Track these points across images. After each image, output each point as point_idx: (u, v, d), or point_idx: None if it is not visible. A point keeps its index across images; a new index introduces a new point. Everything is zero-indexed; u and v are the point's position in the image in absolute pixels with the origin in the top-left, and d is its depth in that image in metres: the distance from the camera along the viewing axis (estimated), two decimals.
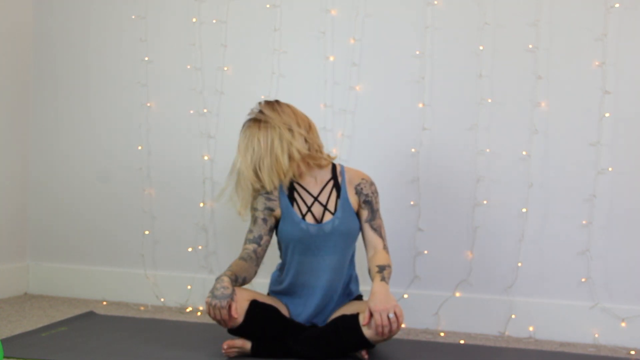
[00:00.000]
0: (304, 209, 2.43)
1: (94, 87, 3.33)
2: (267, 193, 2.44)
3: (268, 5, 3.10)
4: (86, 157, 3.34)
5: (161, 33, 3.24)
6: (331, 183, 2.47)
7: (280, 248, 2.52)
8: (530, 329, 2.81)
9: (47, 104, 3.39)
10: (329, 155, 2.48)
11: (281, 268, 2.52)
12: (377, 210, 2.48)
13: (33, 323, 2.75)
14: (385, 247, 2.45)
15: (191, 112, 3.19)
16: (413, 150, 2.93)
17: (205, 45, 3.18)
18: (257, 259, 2.43)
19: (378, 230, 2.46)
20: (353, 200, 2.46)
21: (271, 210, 2.45)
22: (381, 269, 2.34)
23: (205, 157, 3.17)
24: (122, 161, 3.28)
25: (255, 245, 2.43)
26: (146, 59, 3.25)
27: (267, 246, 2.47)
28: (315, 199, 2.44)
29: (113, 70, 3.30)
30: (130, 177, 3.27)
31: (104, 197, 3.31)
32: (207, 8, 3.17)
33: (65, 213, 3.37)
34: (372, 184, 2.50)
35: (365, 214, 2.46)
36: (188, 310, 3.12)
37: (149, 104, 3.24)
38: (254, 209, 2.46)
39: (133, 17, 3.26)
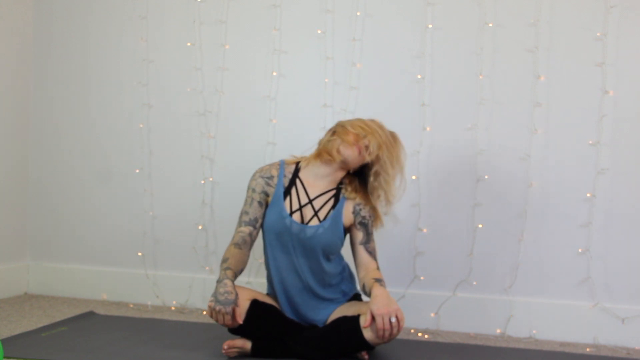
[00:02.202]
0: (295, 206, 2.42)
1: (94, 87, 3.33)
2: (268, 177, 2.44)
3: (268, 5, 3.10)
4: (86, 157, 3.33)
5: (161, 33, 3.24)
6: (332, 192, 2.45)
7: (264, 243, 2.50)
8: (531, 329, 2.81)
9: (47, 104, 3.39)
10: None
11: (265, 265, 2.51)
12: (372, 233, 2.46)
13: (33, 323, 2.75)
14: (378, 269, 2.43)
15: (191, 112, 3.19)
16: (413, 150, 2.93)
17: (205, 45, 3.17)
18: (251, 242, 2.42)
19: (373, 253, 2.45)
20: (347, 216, 2.43)
21: (266, 195, 2.44)
22: (378, 280, 2.33)
23: (205, 158, 3.16)
24: (122, 161, 3.28)
25: (251, 228, 2.42)
26: (146, 59, 3.25)
27: (259, 229, 2.46)
28: (310, 201, 2.43)
29: (113, 70, 3.30)
30: (130, 177, 3.27)
31: (104, 197, 3.31)
32: (207, 8, 3.17)
33: (65, 213, 3.36)
34: (372, 207, 2.46)
35: (360, 235, 2.44)
36: (188, 310, 3.12)
37: (149, 104, 3.24)
38: (251, 190, 2.45)
39: (133, 17, 3.26)
